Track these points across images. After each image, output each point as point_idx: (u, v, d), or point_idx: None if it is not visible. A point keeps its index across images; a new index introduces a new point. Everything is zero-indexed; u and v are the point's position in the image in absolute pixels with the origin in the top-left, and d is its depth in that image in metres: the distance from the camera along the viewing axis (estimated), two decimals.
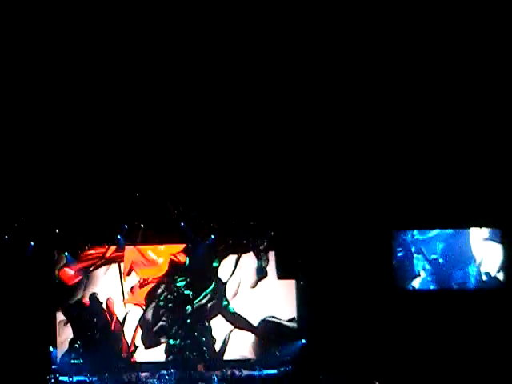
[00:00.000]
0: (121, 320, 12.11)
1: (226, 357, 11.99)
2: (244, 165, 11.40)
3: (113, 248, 12.10)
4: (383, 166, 11.33)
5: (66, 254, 11.90)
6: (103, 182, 11.51)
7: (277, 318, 12.04)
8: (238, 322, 12.08)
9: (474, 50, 9.72)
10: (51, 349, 11.81)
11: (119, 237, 11.89)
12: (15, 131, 10.75)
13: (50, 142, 11.02)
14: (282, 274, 12.07)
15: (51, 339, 11.90)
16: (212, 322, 12.09)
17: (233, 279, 12.15)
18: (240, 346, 12.02)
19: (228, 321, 12.11)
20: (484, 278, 11.42)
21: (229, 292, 12.14)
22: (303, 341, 11.84)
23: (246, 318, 12.07)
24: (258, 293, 12.12)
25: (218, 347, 12.00)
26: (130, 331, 12.07)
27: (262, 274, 12.12)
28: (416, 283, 11.64)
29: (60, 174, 11.36)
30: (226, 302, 12.13)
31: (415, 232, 11.66)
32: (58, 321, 12.00)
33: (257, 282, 12.12)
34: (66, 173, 11.35)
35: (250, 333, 12.05)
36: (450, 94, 10.39)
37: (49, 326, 11.88)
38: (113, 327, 12.09)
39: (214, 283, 12.12)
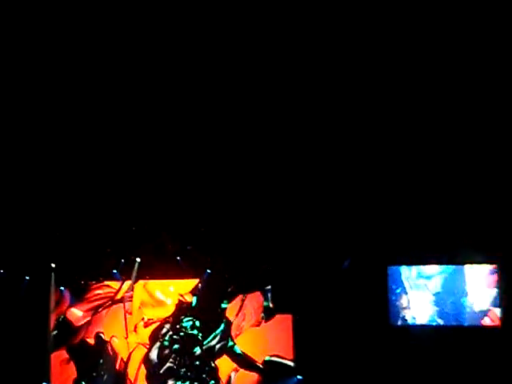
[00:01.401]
0: (125, 360, 12.09)
1: None
2: (240, 200, 11.44)
3: (124, 289, 12.10)
4: (379, 201, 11.35)
5: (62, 288, 11.89)
6: (99, 216, 11.56)
7: (280, 357, 11.95)
8: (244, 362, 12.03)
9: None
10: None
11: (115, 271, 11.88)
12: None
13: (46, 174, 11.08)
14: (277, 309, 11.99)
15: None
16: (217, 362, 12.05)
17: (238, 319, 12.11)
18: None
19: (234, 361, 12.04)
20: (481, 314, 11.36)
21: (233, 332, 12.10)
22: (299, 377, 11.77)
23: (251, 357, 12.01)
24: (261, 332, 12.06)
25: None
26: (134, 371, 12.05)
27: (268, 314, 12.05)
28: (412, 319, 11.58)
29: (57, 208, 11.41)
30: (231, 343, 12.07)
31: (411, 268, 11.61)
32: (60, 359, 12.00)
33: (260, 322, 12.07)
34: (62, 207, 11.41)
35: (254, 373, 11.98)
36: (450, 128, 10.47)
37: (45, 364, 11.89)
38: (117, 367, 12.08)
39: (223, 324, 12.07)
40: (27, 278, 11.72)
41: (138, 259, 11.86)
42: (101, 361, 11.99)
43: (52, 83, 10.06)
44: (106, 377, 11.99)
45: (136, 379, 12.02)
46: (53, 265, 11.78)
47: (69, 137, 10.74)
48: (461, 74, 9.81)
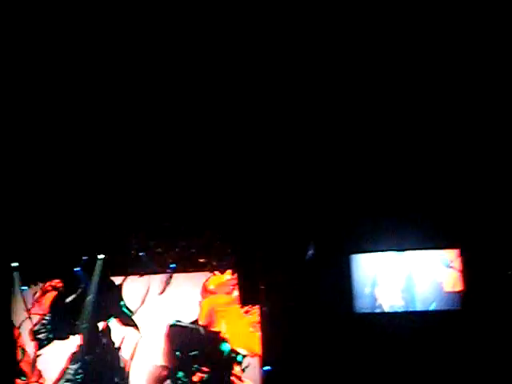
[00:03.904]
0: None
1: None
2: (203, 187, 11.41)
3: None
4: (341, 187, 11.36)
5: (25, 288, 11.82)
6: (61, 213, 11.47)
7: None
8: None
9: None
10: None
11: (78, 269, 11.80)
12: None
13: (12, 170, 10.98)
14: (245, 300, 12.00)
15: None
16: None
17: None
18: None
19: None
20: (444, 298, 11.43)
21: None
22: (268, 367, 11.75)
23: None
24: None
25: None
26: None
27: None
28: (377, 307, 11.62)
29: (20, 206, 11.32)
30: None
31: (374, 255, 11.65)
32: None
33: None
34: (26, 205, 11.32)
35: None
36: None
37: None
38: None
39: None
40: None
41: (101, 256, 11.79)
42: None
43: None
44: None
45: None
46: (15, 264, 11.66)
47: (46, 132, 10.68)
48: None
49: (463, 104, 10.26)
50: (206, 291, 12.14)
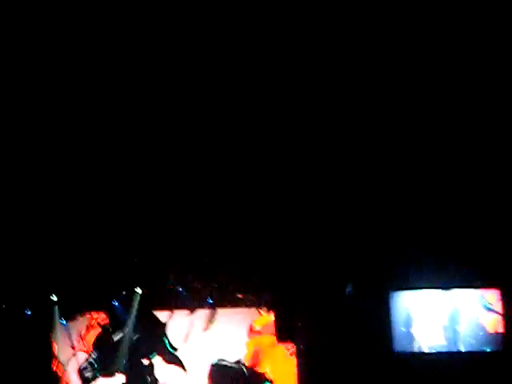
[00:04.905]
0: None
1: None
2: (240, 226, 11.41)
3: None
4: (381, 226, 11.26)
5: (64, 322, 11.89)
6: (100, 248, 11.55)
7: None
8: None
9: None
10: None
11: (116, 303, 11.85)
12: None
13: (44, 205, 11.11)
14: (280, 337, 11.89)
15: None
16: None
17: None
18: None
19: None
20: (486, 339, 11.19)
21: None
22: None
23: None
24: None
25: None
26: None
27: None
28: (417, 347, 11.42)
29: (57, 240, 11.42)
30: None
31: (414, 292, 11.48)
32: None
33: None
34: (63, 239, 11.42)
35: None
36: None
37: None
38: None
39: None
40: (28, 312, 11.68)
41: (139, 290, 11.82)
42: None
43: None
44: None
45: None
46: (54, 297, 11.75)
47: (69, 162, 10.78)
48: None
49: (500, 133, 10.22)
50: (252, 332, 12.08)
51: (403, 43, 9.42)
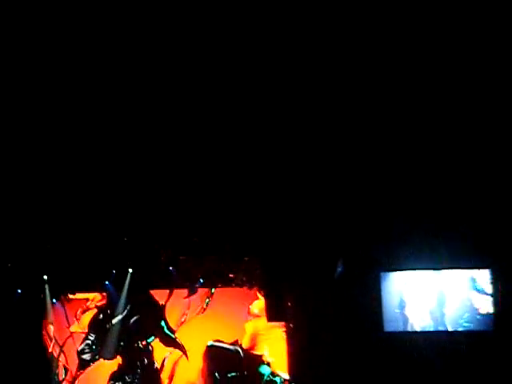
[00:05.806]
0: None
1: None
2: (231, 204, 11.37)
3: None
4: (372, 205, 11.23)
5: (54, 301, 11.88)
6: (91, 228, 11.52)
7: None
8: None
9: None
10: None
11: (107, 283, 11.84)
12: None
13: (37, 187, 11.05)
14: (272, 317, 11.93)
15: None
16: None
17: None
18: None
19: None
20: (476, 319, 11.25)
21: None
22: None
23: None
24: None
25: None
26: None
27: None
28: (408, 326, 11.46)
29: (47, 219, 11.38)
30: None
31: (404, 273, 11.50)
32: None
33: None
34: (52, 218, 11.37)
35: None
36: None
37: None
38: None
39: None
40: (19, 290, 11.66)
41: (130, 270, 11.82)
42: None
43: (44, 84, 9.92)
44: None
45: None
46: (45, 277, 11.73)
47: (60, 145, 10.70)
48: (461, 74, 9.59)
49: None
50: (250, 314, 12.13)
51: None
